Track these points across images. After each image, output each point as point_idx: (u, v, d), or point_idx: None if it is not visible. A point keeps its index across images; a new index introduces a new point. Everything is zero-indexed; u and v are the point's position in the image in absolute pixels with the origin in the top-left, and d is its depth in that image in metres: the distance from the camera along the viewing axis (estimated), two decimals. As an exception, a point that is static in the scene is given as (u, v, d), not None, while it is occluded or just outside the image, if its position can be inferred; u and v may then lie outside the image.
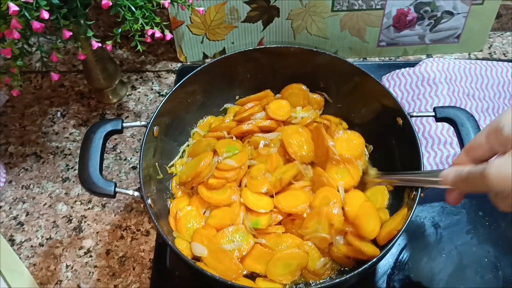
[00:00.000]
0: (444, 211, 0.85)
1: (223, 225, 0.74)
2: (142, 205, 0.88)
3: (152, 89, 1.04)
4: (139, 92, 1.04)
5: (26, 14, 0.67)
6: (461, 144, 0.68)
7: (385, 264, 0.80)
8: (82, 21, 0.77)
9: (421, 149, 0.69)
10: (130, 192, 0.68)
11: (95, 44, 0.78)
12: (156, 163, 0.79)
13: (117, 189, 0.66)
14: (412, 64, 0.98)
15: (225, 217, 0.75)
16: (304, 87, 0.87)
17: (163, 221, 0.75)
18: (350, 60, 1.05)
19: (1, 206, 0.89)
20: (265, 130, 0.84)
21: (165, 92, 1.04)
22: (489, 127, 0.49)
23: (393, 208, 0.77)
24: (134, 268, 0.82)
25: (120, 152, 0.95)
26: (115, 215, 0.87)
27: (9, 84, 0.78)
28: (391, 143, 0.80)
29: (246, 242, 0.72)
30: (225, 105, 0.91)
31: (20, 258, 0.83)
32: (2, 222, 0.87)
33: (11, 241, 0.85)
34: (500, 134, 0.47)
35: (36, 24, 0.68)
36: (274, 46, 0.85)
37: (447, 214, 0.85)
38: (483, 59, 1.06)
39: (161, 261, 0.81)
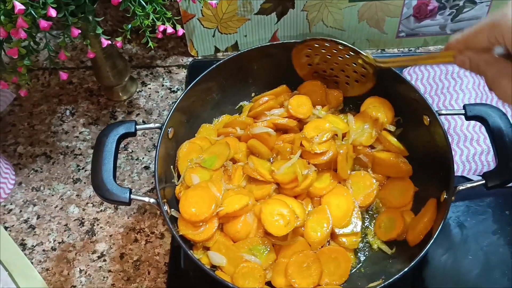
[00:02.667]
0: (469, 210, 0.82)
1: (239, 236, 0.71)
2: (155, 207, 0.86)
3: (163, 85, 1.01)
4: (150, 88, 1.01)
5: (33, 12, 0.63)
6: (493, 143, 0.65)
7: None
8: (90, 18, 0.74)
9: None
10: (146, 199, 0.66)
11: (105, 42, 0.75)
12: (171, 166, 0.76)
13: (132, 196, 0.64)
14: (433, 56, 0.95)
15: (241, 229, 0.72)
16: (321, 83, 0.84)
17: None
18: (368, 52, 1.02)
19: (11, 209, 0.87)
20: (281, 129, 0.80)
21: (176, 88, 1.00)
22: (491, 19, 0.49)
23: (416, 211, 0.74)
24: (149, 273, 0.79)
25: (132, 151, 0.92)
26: (128, 218, 0.85)
27: (16, 83, 0.75)
28: (416, 141, 0.76)
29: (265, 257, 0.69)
30: (240, 103, 0.88)
31: (32, 262, 0.81)
32: (13, 225, 0.85)
33: (23, 245, 0.83)
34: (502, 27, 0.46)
35: (43, 23, 0.64)
36: (293, 41, 0.81)
37: (473, 214, 0.82)
38: (506, 49, 1.02)
39: (177, 265, 0.79)
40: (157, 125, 0.71)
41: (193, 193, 0.70)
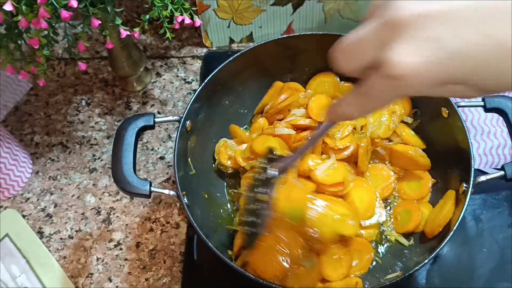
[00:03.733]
0: (485, 203, 0.82)
1: None
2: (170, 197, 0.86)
3: (177, 76, 1.01)
4: (164, 79, 1.01)
5: (54, 2, 0.64)
6: (512, 135, 0.65)
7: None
8: (109, 8, 0.74)
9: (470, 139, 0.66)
10: (166, 191, 0.66)
11: (124, 33, 0.75)
12: (189, 159, 0.76)
13: (152, 189, 0.64)
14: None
15: None
16: (333, 75, 0.83)
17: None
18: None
19: (28, 198, 0.88)
20: (301, 127, 0.80)
21: (191, 79, 1.00)
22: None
23: (434, 203, 0.74)
24: (165, 261, 0.80)
25: (147, 142, 0.93)
26: (143, 207, 0.86)
27: (34, 73, 0.76)
28: (433, 134, 0.76)
29: None
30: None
31: (49, 250, 0.82)
32: (31, 214, 0.86)
33: (40, 233, 0.84)
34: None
35: (64, 13, 0.65)
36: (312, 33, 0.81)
37: (488, 207, 0.82)
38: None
39: (192, 255, 0.80)
40: (175, 117, 0.71)
41: None
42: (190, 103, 0.73)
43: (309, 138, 0.61)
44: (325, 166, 0.71)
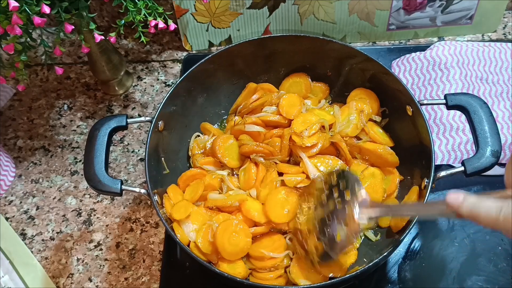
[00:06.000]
0: (456, 199, 0.83)
1: None
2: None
3: (158, 79, 1.03)
4: (145, 82, 1.03)
5: (27, 9, 0.66)
6: (473, 132, 0.66)
7: (396, 254, 0.79)
8: (84, 14, 0.76)
9: (433, 137, 0.68)
10: (137, 189, 0.68)
11: (98, 37, 0.77)
12: (162, 158, 0.78)
13: (123, 187, 0.66)
14: (423, 48, 0.96)
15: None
16: (305, 76, 0.86)
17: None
18: (359, 45, 1.04)
19: (12, 201, 0.89)
20: (271, 125, 0.81)
21: (171, 82, 1.02)
22: None
23: (401, 199, 0.76)
24: (144, 261, 0.82)
25: (128, 144, 0.95)
26: (124, 208, 0.88)
27: (15, 78, 0.77)
28: (401, 132, 0.78)
29: None
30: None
31: (32, 252, 0.84)
32: (14, 216, 0.88)
33: (23, 235, 0.86)
34: None
35: (37, 20, 0.66)
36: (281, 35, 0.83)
37: (460, 202, 0.83)
38: (497, 40, 1.03)
39: (171, 253, 0.81)
40: (147, 118, 0.73)
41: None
42: (162, 103, 0.75)
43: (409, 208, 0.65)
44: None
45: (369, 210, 0.61)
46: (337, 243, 0.61)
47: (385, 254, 0.61)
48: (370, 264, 0.60)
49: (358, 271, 0.60)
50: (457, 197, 0.46)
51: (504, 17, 1.07)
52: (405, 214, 0.65)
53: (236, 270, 0.70)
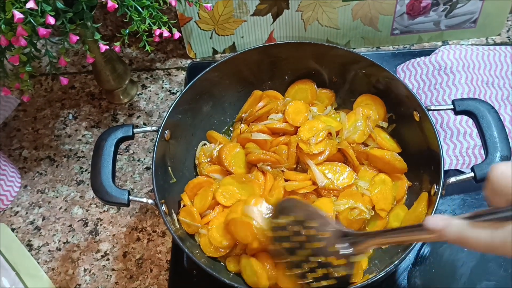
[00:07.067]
0: (465, 203, 0.83)
1: None
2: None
3: (162, 87, 1.03)
4: (150, 91, 1.03)
5: (32, 20, 0.66)
6: (482, 137, 0.66)
7: (406, 260, 0.78)
8: (89, 24, 0.76)
9: (440, 141, 0.67)
10: (144, 200, 0.68)
11: (103, 47, 0.77)
12: (169, 167, 0.78)
13: (131, 197, 0.66)
14: (427, 52, 0.96)
15: None
16: (311, 82, 0.85)
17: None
18: (363, 50, 1.04)
19: (17, 211, 0.89)
20: (278, 132, 0.81)
21: (176, 90, 1.02)
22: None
23: (410, 205, 0.75)
24: (151, 270, 0.82)
25: (133, 153, 0.95)
26: (130, 217, 0.87)
27: (19, 89, 0.77)
28: (408, 137, 0.78)
29: None
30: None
31: (38, 263, 0.84)
32: (20, 227, 0.88)
33: (29, 246, 0.86)
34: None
35: (42, 31, 0.67)
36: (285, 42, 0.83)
37: (468, 207, 0.83)
38: (501, 43, 1.03)
39: (178, 263, 0.81)
40: (153, 128, 0.73)
41: None
42: (169, 113, 0.75)
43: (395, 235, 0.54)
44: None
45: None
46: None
47: (396, 262, 0.61)
48: (382, 273, 0.60)
49: (369, 279, 0.60)
50: (436, 222, 0.43)
51: (507, 20, 1.07)
52: (387, 242, 0.59)
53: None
